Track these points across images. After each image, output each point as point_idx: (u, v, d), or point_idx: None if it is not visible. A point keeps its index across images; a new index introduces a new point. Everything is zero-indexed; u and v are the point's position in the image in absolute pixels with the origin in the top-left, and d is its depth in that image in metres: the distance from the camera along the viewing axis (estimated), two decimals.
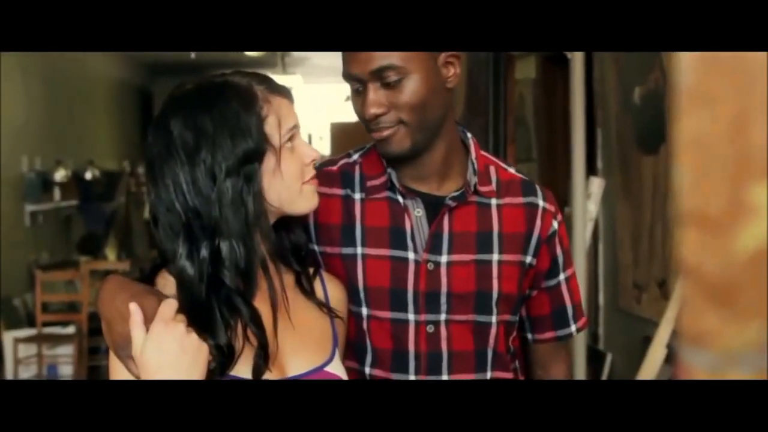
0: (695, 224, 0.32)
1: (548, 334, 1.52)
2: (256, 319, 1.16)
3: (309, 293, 1.31)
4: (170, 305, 1.11)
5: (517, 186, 1.45)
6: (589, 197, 3.44)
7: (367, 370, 1.41)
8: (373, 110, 1.33)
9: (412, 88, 1.32)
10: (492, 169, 1.45)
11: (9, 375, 5.62)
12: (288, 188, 1.19)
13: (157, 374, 1.09)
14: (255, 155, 1.15)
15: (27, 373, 5.68)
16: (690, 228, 0.32)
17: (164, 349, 1.09)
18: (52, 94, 8.07)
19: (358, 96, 1.35)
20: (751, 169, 0.31)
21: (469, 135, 1.46)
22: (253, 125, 1.15)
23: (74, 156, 8.47)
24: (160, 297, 1.14)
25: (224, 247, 1.13)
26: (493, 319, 1.40)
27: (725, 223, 0.31)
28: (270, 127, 1.17)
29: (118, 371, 1.15)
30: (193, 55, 6.61)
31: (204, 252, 1.13)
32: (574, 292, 1.51)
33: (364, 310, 1.39)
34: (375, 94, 1.32)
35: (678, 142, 0.32)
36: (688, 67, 0.32)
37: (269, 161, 1.17)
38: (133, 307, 1.11)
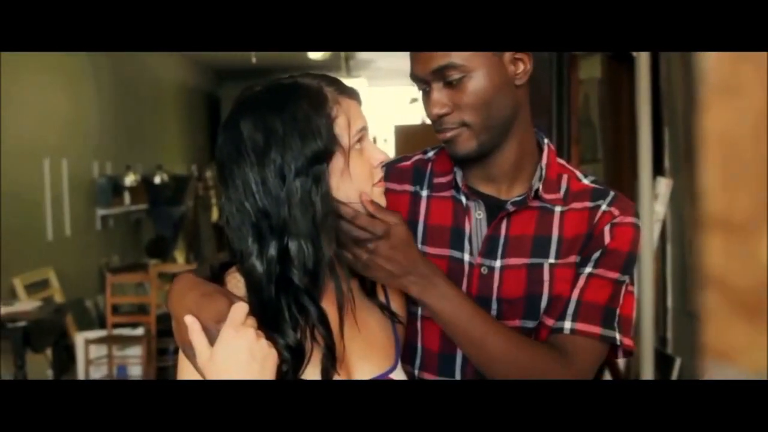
0: (720, 230, 0.30)
1: (543, 319, 1.35)
2: (323, 320, 1.15)
3: (373, 296, 1.30)
4: (241, 309, 1.10)
5: (588, 194, 1.39)
6: (656, 198, 3.36)
7: (416, 371, 1.39)
8: (436, 110, 1.31)
9: (474, 86, 1.29)
10: (565, 177, 1.40)
11: (80, 375, 5.75)
12: (357, 189, 1.19)
13: (225, 379, 1.08)
14: (324, 156, 1.15)
15: (98, 373, 5.80)
16: (714, 234, 0.30)
17: (234, 354, 1.08)
18: (122, 101, 8.25)
19: (426, 97, 1.33)
20: None
21: (546, 140, 1.41)
22: (323, 126, 1.15)
23: (143, 161, 8.65)
24: (230, 298, 1.13)
25: (293, 246, 1.13)
26: (539, 324, 1.36)
27: (752, 229, 0.29)
28: (339, 128, 1.17)
29: (186, 369, 1.15)
30: (254, 59, 6.67)
31: (273, 251, 1.13)
32: (593, 292, 1.34)
33: (418, 310, 1.37)
34: (438, 93, 1.30)
35: (702, 139, 0.29)
36: (715, 59, 0.29)
37: (338, 162, 1.16)
38: (189, 319, 1.10)
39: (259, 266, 1.14)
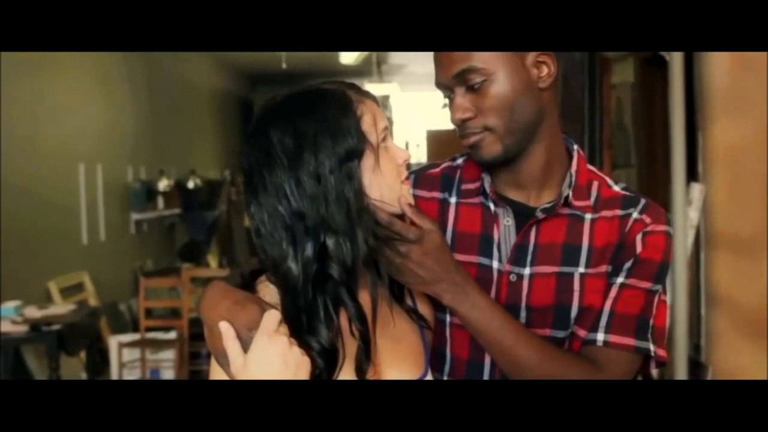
0: (727, 247, 0.28)
1: (574, 330, 1.33)
2: (360, 314, 1.16)
3: (402, 302, 1.30)
4: (273, 317, 1.10)
5: (618, 201, 1.36)
6: (690, 204, 3.31)
7: (445, 378, 1.38)
8: (459, 115, 1.30)
9: (496, 90, 1.28)
10: (595, 184, 1.38)
11: (114, 378, 5.80)
12: (389, 185, 1.20)
13: None
14: (355, 153, 1.16)
15: (131, 376, 5.84)
16: (721, 252, 0.28)
17: (267, 362, 1.08)
18: (157, 106, 8.33)
19: (450, 103, 1.33)
20: None
21: (575, 146, 1.39)
22: (351, 125, 1.17)
23: (177, 166, 8.72)
24: (263, 305, 1.14)
25: (330, 242, 1.14)
26: (571, 335, 1.34)
27: (759, 246, 0.27)
28: (367, 126, 1.19)
29: (218, 377, 1.15)
30: (284, 65, 6.70)
31: (309, 251, 1.14)
32: (626, 302, 1.32)
33: (447, 317, 1.36)
34: (461, 98, 1.30)
35: (709, 152, 0.28)
36: (719, 70, 0.28)
37: (368, 159, 1.18)
38: (224, 326, 1.11)
39: (294, 268, 1.14)
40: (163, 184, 7.90)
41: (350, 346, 1.16)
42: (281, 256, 1.15)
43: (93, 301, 6.32)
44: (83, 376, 5.51)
